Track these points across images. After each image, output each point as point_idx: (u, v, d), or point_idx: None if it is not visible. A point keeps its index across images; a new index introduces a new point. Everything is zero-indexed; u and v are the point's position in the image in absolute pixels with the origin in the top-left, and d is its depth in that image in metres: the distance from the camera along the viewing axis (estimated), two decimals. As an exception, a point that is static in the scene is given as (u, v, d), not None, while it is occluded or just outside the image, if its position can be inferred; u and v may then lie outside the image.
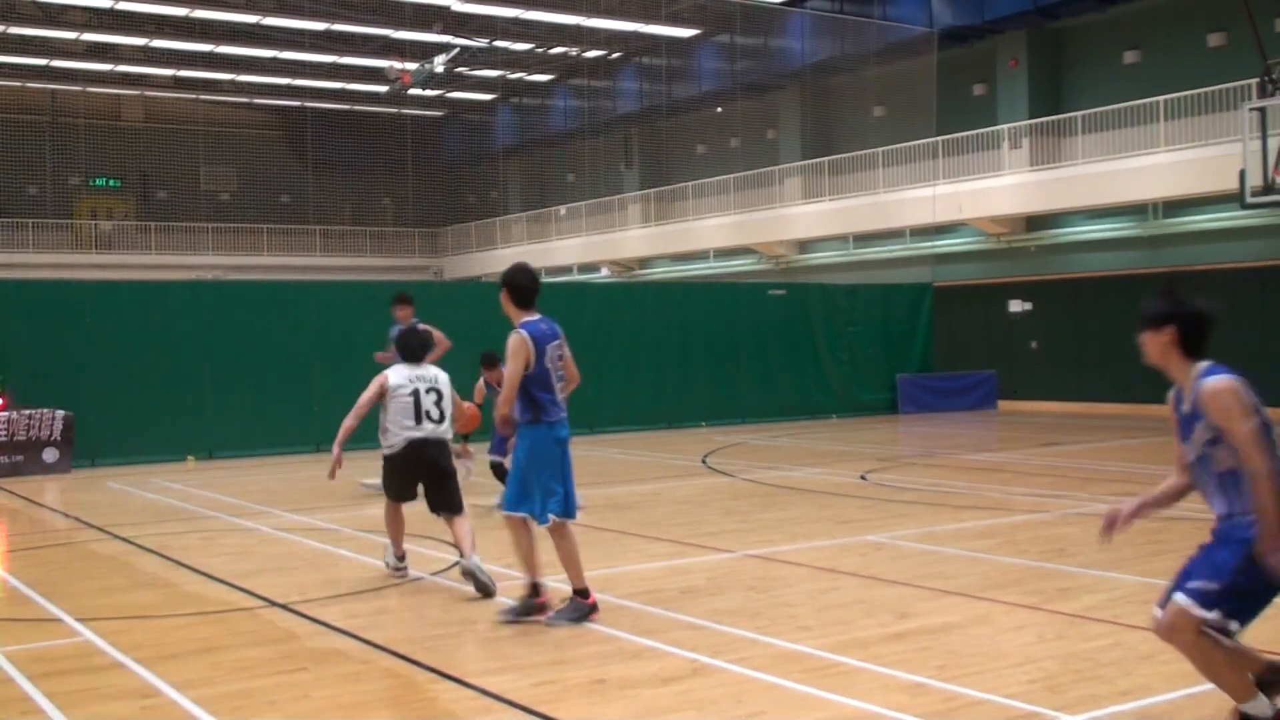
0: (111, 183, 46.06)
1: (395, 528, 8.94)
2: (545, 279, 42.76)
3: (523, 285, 7.42)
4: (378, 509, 12.37)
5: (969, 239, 29.17)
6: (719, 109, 38.74)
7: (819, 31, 34.31)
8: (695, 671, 6.21)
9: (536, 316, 7.40)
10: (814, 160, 33.29)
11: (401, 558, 8.99)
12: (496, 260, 44.83)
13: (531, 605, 7.41)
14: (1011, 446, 18.58)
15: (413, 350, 8.91)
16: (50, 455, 17.08)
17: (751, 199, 34.82)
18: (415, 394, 8.62)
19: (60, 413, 17.23)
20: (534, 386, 7.27)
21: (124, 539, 11.10)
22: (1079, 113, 26.39)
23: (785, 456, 17.37)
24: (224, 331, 19.04)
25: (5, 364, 17.26)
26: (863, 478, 14.55)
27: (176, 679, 6.24)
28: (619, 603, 7.81)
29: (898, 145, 30.30)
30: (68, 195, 44.84)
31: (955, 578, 8.44)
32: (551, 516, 7.29)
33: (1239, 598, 4.59)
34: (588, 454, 18.49)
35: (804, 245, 33.86)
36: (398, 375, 8.69)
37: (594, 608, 7.33)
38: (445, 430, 8.77)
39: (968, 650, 6.52)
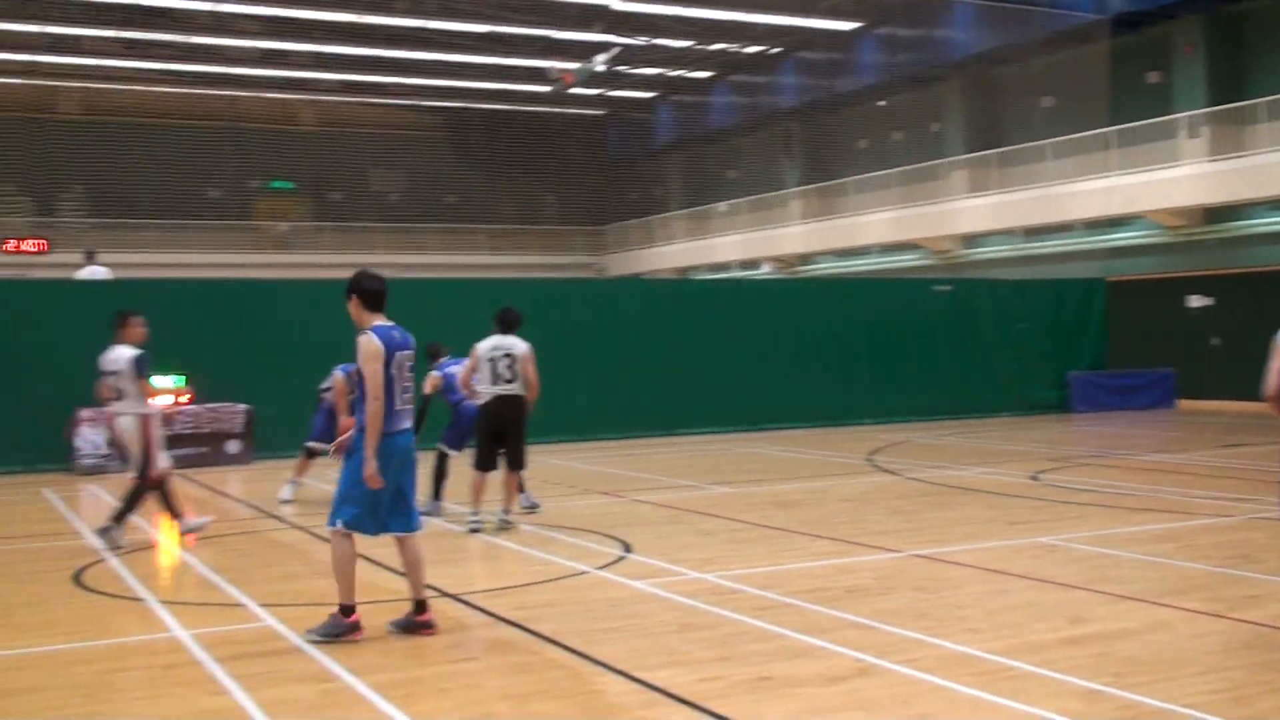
0: (287, 185, 47.74)
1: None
2: (706, 276, 43.14)
3: (368, 289, 7.17)
4: (549, 504, 12.55)
5: (1144, 232, 28.19)
6: (881, 102, 38.26)
7: (984, 21, 33.56)
8: (861, 671, 6.15)
9: (388, 323, 7.17)
10: (980, 153, 32.62)
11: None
12: (658, 258, 45.06)
13: (342, 625, 7.05)
14: (1191, 447, 17.89)
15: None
16: (233, 447, 17.78)
17: (915, 193, 34.28)
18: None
19: (242, 406, 17.92)
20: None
21: (302, 528, 11.48)
22: (1262, 99, 25.29)
23: (952, 455, 17.05)
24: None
25: (191, 360, 18.00)
26: (1033, 478, 14.20)
27: (353, 664, 6.43)
28: (784, 600, 7.77)
29: (1068, 136, 29.48)
30: (247, 198, 46.65)
31: (1132, 582, 8.18)
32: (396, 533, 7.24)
33: None
34: (750, 451, 18.46)
35: (970, 240, 33.19)
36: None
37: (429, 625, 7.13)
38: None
39: (1146, 657, 6.31)
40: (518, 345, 11.10)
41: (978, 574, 8.57)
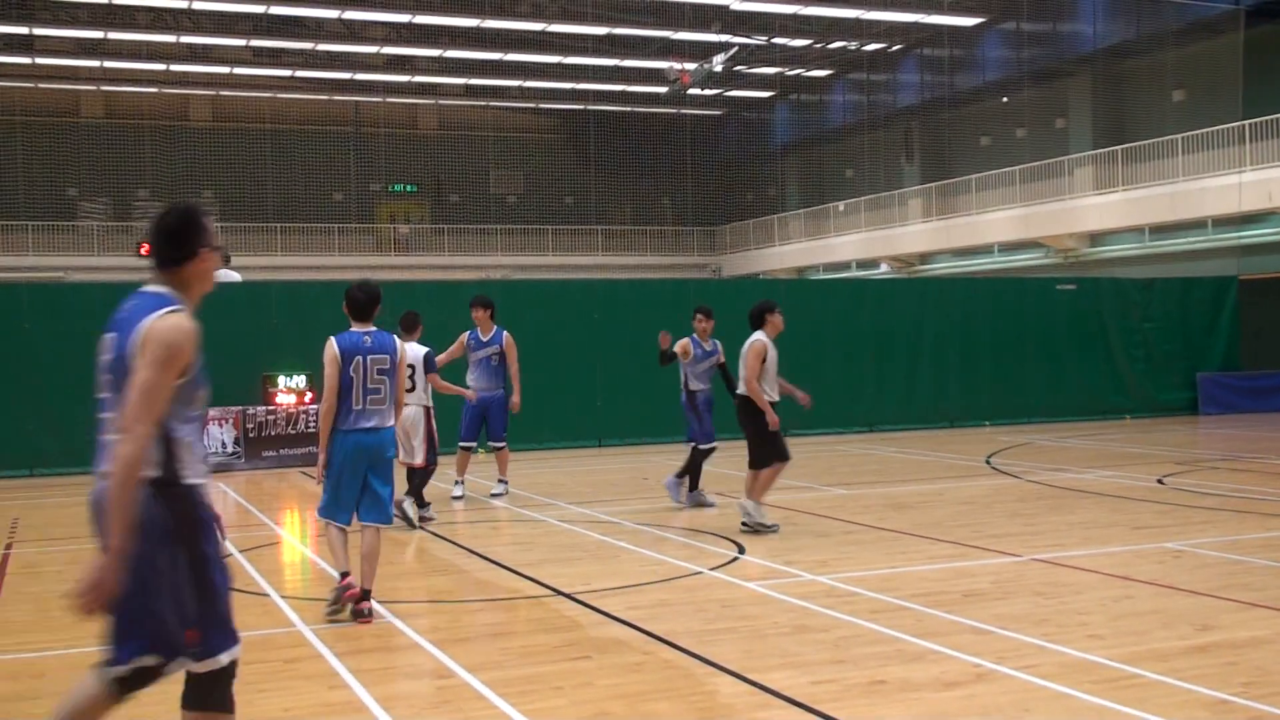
0: (408, 188, 48.58)
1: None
2: (823, 275, 42.82)
3: (353, 298, 7.88)
4: (657, 503, 12.57)
5: (1278, 229, 27.27)
6: (1004, 99, 37.60)
7: (1112, 13, 32.82)
8: (979, 677, 6.05)
9: (364, 329, 7.81)
10: (1106, 149, 31.86)
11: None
12: (775, 258, 44.88)
13: (338, 587, 7.69)
14: (1328, 451, 17.25)
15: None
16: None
17: (1039, 191, 33.62)
18: None
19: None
20: (338, 394, 7.68)
21: (419, 527, 11.66)
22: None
23: (1075, 458, 16.68)
24: (510, 330, 19.73)
25: (314, 361, 18.38)
26: (1160, 481, 13.83)
27: (468, 661, 6.52)
28: (900, 604, 7.68)
29: (1199, 131, 28.64)
30: (369, 201, 47.60)
31: (1263, 589, 7.92)
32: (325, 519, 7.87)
33: None
34: (866, 453, 18.28)
35: (1095, 238, 32.45)
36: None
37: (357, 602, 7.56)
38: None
39: (1277, 667, 6.11)
40: (747, 343, 10.96)
41: (1100, 579, 8.37)
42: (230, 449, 17.52)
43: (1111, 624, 7.08)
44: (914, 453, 18.06)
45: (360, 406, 7.65)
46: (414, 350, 11.39)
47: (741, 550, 9.82)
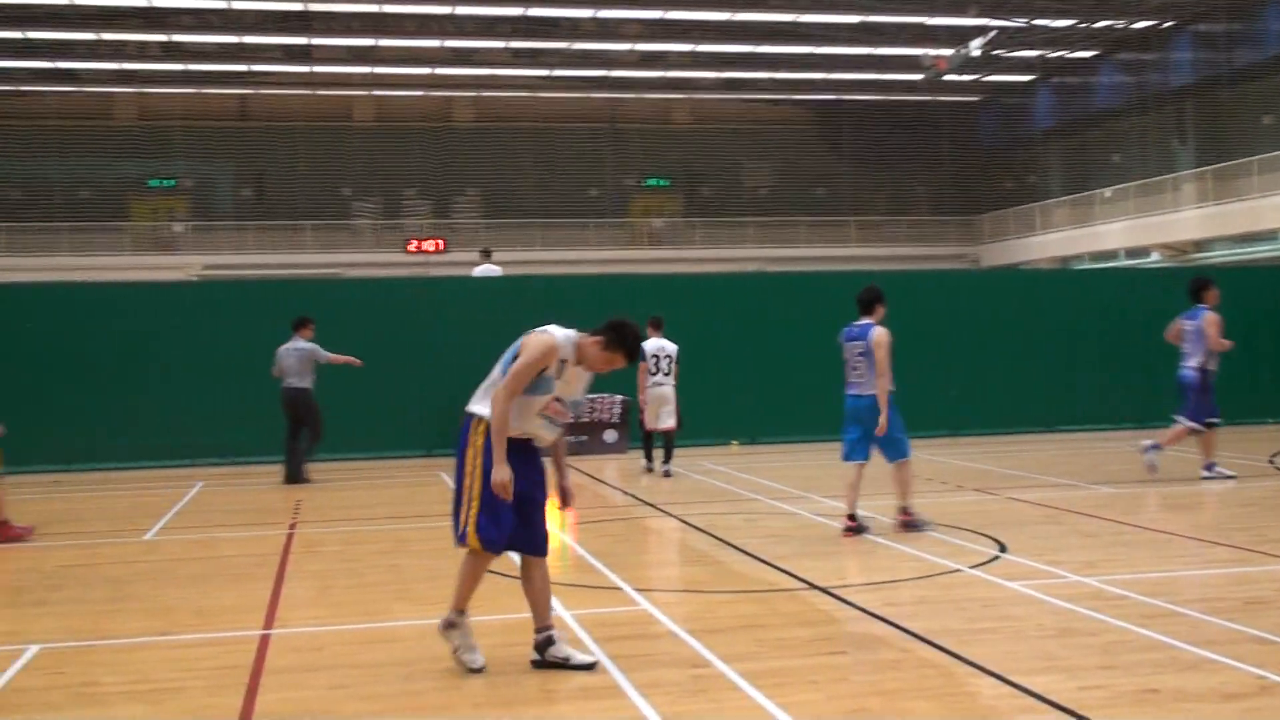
0: (662, 183, 49.19)
1: None
2: (1089, 265, 41.13)
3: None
4: (920, 500, 12.35)
5: None
6: (1289, 73, 35.31)
7: None
8: (1263, 689, 5.69)
9: (860, 322, 10.37)
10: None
11: None
12: (1036, 247, 43.41)
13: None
14: None
15: None
16: (610, 436, 18.50)
17: (1328, 171, 31.42)
18: None
19: (619, 397, 18.61)
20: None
21: (676, 517, 11.80)
22: None
23: (1370, 458, 15.51)
24: (764, 322, 19.76)
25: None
26: None
27: (723, 652, 6.55)
28: (1174, 609, 7.31)
29: None
30: (624, 196, 48.43)
31: None
32: None
33: None
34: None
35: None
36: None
37: None
38: None
39: None
40: None
41: (1402, 590, 7.75)
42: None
43: None
44: (1189, 451, 17.13)
45: (848, 379, 10.32)
46: (670, 345, 15.19)
47: (1003, 548, 9.54)
